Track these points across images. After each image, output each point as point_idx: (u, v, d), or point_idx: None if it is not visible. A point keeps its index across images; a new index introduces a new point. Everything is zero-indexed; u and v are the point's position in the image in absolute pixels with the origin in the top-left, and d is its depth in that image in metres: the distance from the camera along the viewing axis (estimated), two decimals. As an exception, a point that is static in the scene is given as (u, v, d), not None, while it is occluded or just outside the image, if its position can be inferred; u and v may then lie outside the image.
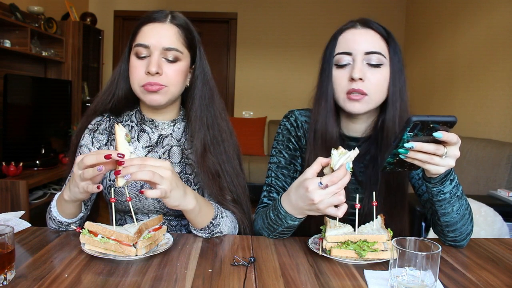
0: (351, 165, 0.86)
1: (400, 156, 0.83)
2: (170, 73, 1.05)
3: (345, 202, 0.86)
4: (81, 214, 1.03)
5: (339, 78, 1.04)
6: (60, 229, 1.03)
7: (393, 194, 1.06)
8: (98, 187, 0.86)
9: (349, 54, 1.02)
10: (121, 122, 1.17)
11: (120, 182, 0.83)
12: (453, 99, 3.70)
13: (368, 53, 1.01)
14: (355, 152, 0.86)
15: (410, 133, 0.77)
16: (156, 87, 1.03)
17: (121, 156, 0.83)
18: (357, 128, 1.11)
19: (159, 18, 1.06)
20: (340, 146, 0.88)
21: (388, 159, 0.85)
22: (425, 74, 4.33)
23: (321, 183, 0.83)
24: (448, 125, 0.78)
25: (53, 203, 1.02)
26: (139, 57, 1.05)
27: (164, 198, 0.87)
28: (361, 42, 1.02)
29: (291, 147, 1.16)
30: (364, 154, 1.10)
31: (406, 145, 0.80)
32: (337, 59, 1.04)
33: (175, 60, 1.06)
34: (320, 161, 0.88)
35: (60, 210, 1.00)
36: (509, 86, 2.91)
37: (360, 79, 0.99)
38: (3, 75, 2.96)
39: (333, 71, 1.05)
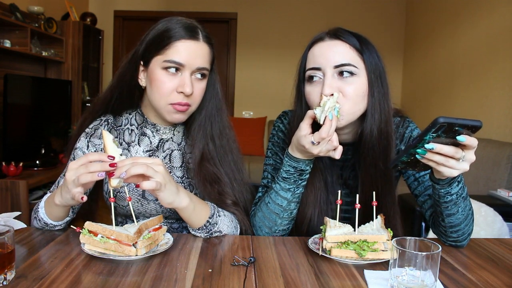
0: (338, 108, 0.94)
1: (417, 156, 0.81)
2: (197, 91, 1.06)
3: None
4: (68, 218, 1.03)
5: (312, 94, 1.01)
6: (44, 229, 1.03)
7: (382, 199, 1.04)
8: (82, 198, 0.87)
9: (318, 69, 1.00)
10: (120, 127, 1.16)
11: (113, 182, 0.86)
12: (453, 99, 3.70)
13: (337, 66, 0.97)
14: (333, 99, 0.93)
15: (433, 134, 0.76)
16: (185, 107, 1.05)
17: (112, 158, 0.86)
18: (343, 137, 1.08)
19: (193, 36, 1.04)
20: (322, 96, 0.95)
21: (403, 158, 0.83)
22: (425, 74, 4.33)
23: (313, 142, 0.93)
24: (472, 130, 0.76)
25: (41, 203, 1.02)
26: (168, 72, 1.03)
27: (159, 191, 0.89)
28: (329, 55, 0.98)
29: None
30: (354, 160, 1.10)
31: (426, 146, 0.78)
32: (307, 75, 1.02)
33: (203, 78, 1.07)
34: (310, 114, 0.96)
35: (48, 212, 0.99)
36: (509, 86, 2.91)
37: (332, 94, 0.96)
38: (3, 75, 2.96)
39: (306, 87, 1.04)
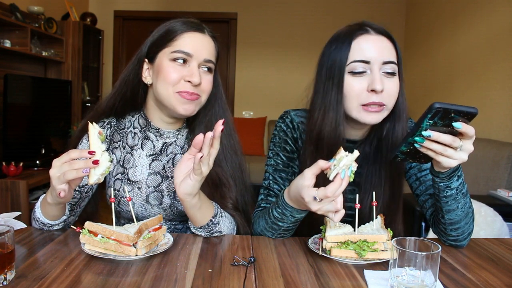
0: (353, 168, 0.83)
1: (415, 145, 0.82)
2: (205, 83, 1.07)
3: (344, 205, 0.87)
4: (64, 217, 1.02)
5: (356, 87, 0.97)
6: (43, 229, 1.03)
7: (389, 196, 1.05)
8: (59, 194, 0.86)
9: (367, 62, 0.97)
10: (123, 129, 1.16)
11: (92, 179, 0.85)
12: (453, 99, 3.70)
13: (386, 62, 0.97)
14: (351, 156, 0.82)
15: (430, 121, 0.77)
16: (194, 96, 1.05)
17: (93, 153, 0.84)
18: (358, 133, 1.09)
19: (200, 29, 1.07)
20: (341, 149, 0.84)
21: (402, 148, 0.84)
22: (425, 74, 4.33)
23: (315, 197, 0.84)
24: (468, 117, 0.77)
25: (38, 203, 1.02)
26: (176, 63, 1.04)
27: (198, 176, 0.90)
28: (378, 50, 0.97)
29: (288, 149, 1.14)
30: (363, 156, 1.09)
31: (424, 133, 0.79)
32: (352, 67, 0.98)
33: (210, 71, 1.09)
34: (320, 165, 0.86)
35: (44, 211, 1.00)
36: (509, 86, 2.91)
37: (381, 90, 0.96)
38: (3, 75, 2.96)
39: (347, 79, 0.98)
